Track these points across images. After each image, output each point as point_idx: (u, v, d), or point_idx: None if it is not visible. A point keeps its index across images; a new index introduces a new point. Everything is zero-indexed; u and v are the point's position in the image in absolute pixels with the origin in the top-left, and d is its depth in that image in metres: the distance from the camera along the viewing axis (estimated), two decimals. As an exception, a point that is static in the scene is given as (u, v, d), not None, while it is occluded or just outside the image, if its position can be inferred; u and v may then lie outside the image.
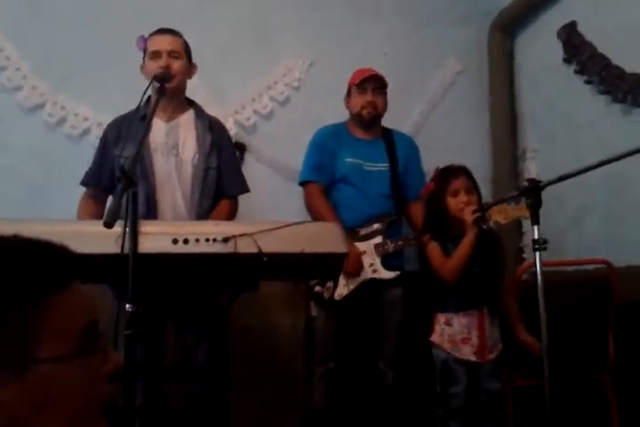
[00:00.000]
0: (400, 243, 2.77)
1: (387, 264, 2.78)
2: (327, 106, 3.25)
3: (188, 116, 2.49)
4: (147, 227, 1.75)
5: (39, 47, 3.24)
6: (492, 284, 2.43)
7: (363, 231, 2.80)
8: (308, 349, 2.88)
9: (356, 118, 2.96)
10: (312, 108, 3.43)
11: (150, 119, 1.94)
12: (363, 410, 2.93)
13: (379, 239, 2.79)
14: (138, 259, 1.60)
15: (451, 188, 2.44)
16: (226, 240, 1.80)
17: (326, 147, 2.94)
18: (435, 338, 2.43)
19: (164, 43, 2.41)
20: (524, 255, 3.45)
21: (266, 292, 2.47)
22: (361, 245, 2.77)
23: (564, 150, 3.26)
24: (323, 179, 2.92)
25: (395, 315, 2.84)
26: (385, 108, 2.96)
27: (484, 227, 2.42)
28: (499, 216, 2.42)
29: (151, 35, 2.45)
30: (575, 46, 3.16)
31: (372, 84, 2.90)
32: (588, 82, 3.10)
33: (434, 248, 2.45)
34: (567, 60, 3.23)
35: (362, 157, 2.92)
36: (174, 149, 2.41)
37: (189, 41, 2.52)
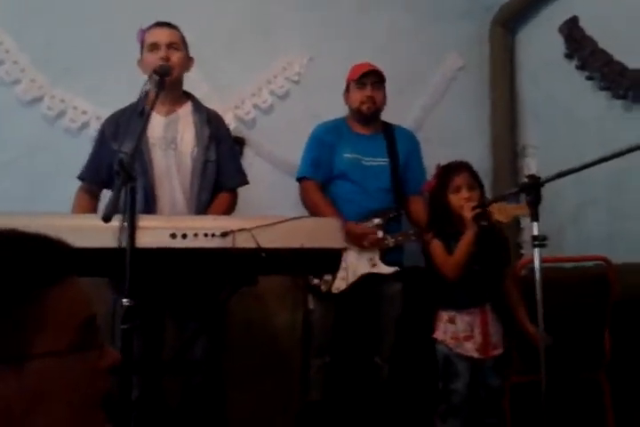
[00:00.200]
0: (400, 238, 2.77)
1: (386, 259, 2.78)
2: (327, 100, 3.24)
3: (186, 110, 2.48)
4: (145, 221, 1.75)
5: (38, 40, 3.23)
6: (495, 281, 2.43)
7: (362, 226, 2.80)
8: (305, 343, 2.88)
9: (356, 114, 2.96)
10: (312, 103, 3.43)
11: (149, 114, 1.93)
12: (358, 404, 2.94)
13: (379, 234, 2.79)
14: (136, 253, 1.60)
15: (452, 184, 2.43)
16: (224, 235, 1.79)
17: (325, 142, 2.94)
18: (438, 335, 2.43)
19: (162, 35, 2.41)
20: (522, 251, 3.45)
21: (264, 286, 2.47)
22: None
23: (565, 146, 3.26)
24: (319, 175, 2.92)
25: (393, 310, 2.84)
26: (384, 102, 2.96)
27: (485, 224, 2.40)
28: (500, 215, 2.42)
29: (149, 28, 2.44)
30: (577, 42, 3.15)
31: (371, 78, 2.90)
32: (589, 78, 3.09)
33: (436, 245, 2.44)
34: (568, 56, 3.22)
35: (361, 152, 2.92)
36: (173, 142, 2.40)
37: (190, 35, 2.51)
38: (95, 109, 3.20)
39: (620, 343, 2.57)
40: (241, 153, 3.25)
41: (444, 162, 2.54)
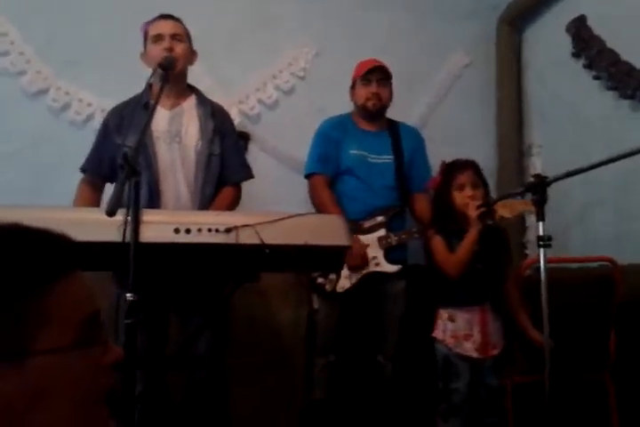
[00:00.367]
0: (403, 236, 2.76)
1: (390, 257, 2.77)
2: (332, 96, 3.23)
3: (191, 103, 2.47)
4: (149, 216, 1.74)
5: (43, 31, 3.22)
6: (496, 280, 2.42)
7: (366, 224, 2.79)
8: (309, 341, 2.88)
9: (361, 110, 2.95)
10: (317, 98, 3.41)
11: (154, 108, 1.92)
12: (362, 402, 2.94)
13: (382, 232, 2.78)
14: (139, 248, 1.59)
15: (456, 182, 2.43)
16: (228, 231, 1.78)
17: (331, 138, 2.93)
18: (437, 334, 2.43)
19: (166, 26, 2.40)
20: (527, 251, 3.44)
21: (268, 283, 2.47)
22: (364, 238, 2.76)
23: (571, 146, 3.24)
24: (328, 170, 2.90)
25: (397, 308, 2.83)
26: (390, 99, 2.95)
27: (489, 223, 2.40)
28: (504, 210, 2.41)
29: (152, 20, 2.43)
30: (584, 41, 3.13)
31: (377, 75, 2.88)
32: (596, 77, 3.07)
33: (438, 242, 2.44)
34: (576, 55, 3.20)
35: (366, 148, 2.90)
36: (177, 136, 2.39)
37: (194, 29, 2.50)
38: (100, 102, 3.19)
39: (624, 344, 2.56)
40: (245, 148, 3.24)
41: (448, 159, 2.53)
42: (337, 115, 3.03)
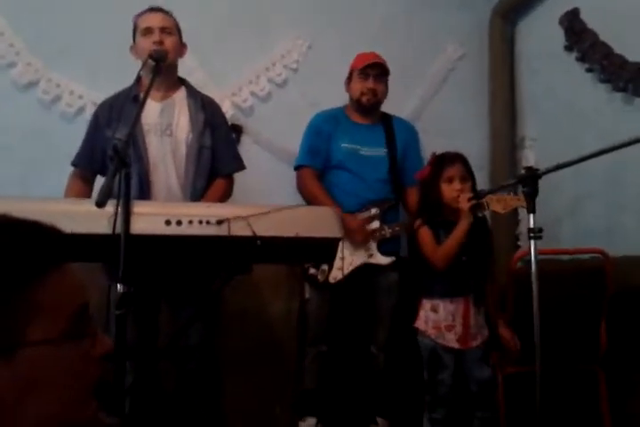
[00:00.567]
0: (397, 228, 2.77)
1: (383, 249, 2.78)
2: (325, 88, 3.22)
3: (181, 95, 2.46)
4: (139, 207, 1.74)
5: (33, 22, 3.18)
6: (480, 272, 2.43)
7: (360, 216, 2.79)
8: (300, 331, 2.89)
9: (355, 104, 2.95)
10: (310, 91, 3.40)
11: (144, 101, 1.91)
12: (353, 392, 2.95)
13: (376, 224, 2.79)
14: (130, 240, 1.59)
15: (445, 174, 2.44)
16: (219, 223, 1.78)
17: (322, 131, 2.93)
18: (419, 324, 2.44)
19: (155, 19, 2.39)
20: (519, 243, 3.45)
21: (260, 274, 2.47)
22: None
23: (564, 139, 3.24)
24: (317, 163, 2.90)
25: (389, 300, 2.84)
26: (385, 95, 2.95)
27: (480, 215, 2.42)
28: (497, 206, 2.42)
29: (141, 13, 2.42)
30: (577, 34, 3.12)
31: (375, 70, 2.88)
32: (589, 70, 3.07)
33: (425, 233, 2.44)
34: (568, 48, 3.20)
35: (358, 141, 2.90)
36: (168, 129, 2.38)
37: (187, 22, 2.49)
38: (91, 94, 3.16)
39: (616, 335, 2.58)
40: (238, 141, 3.23)
41: (439, 152, 2.53)
42: (330, 108, 3.03)
